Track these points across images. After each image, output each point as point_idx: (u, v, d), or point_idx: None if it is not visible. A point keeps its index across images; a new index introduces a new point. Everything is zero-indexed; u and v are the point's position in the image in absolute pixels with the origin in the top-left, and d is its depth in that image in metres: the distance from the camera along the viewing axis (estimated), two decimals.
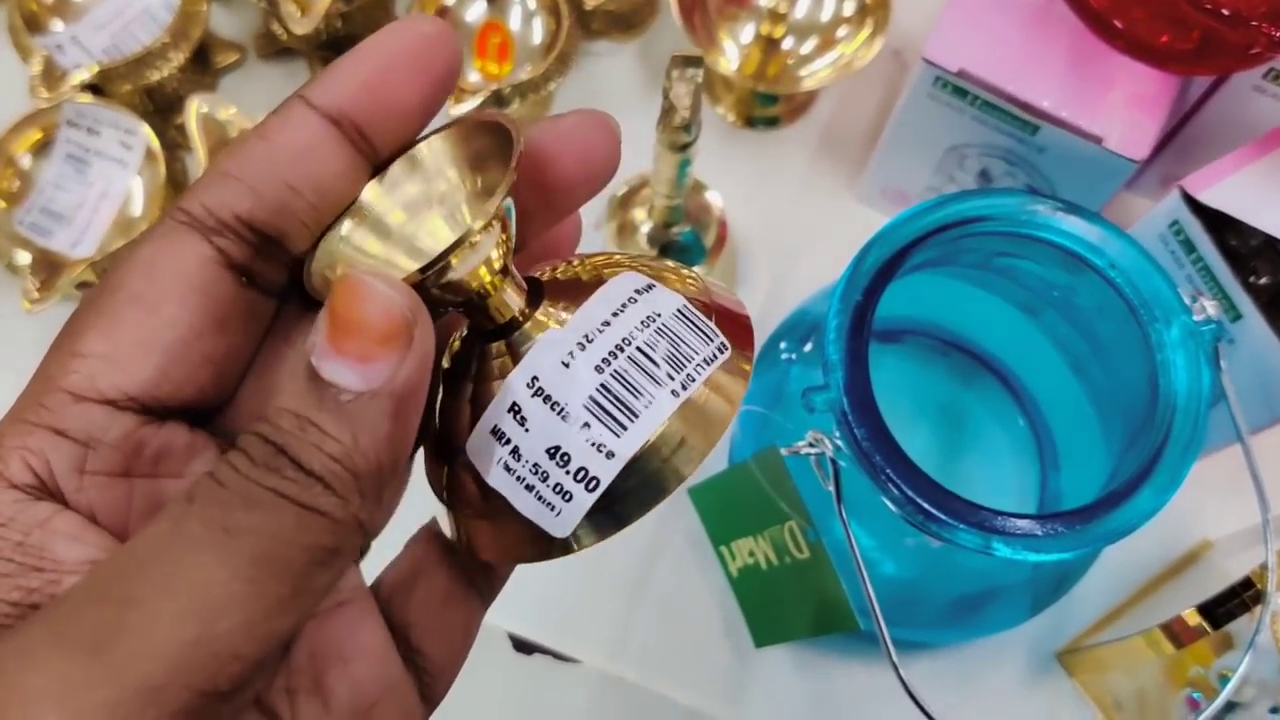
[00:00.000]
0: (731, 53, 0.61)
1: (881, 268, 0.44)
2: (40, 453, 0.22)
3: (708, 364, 0.25)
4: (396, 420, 0.22)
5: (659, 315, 0.25)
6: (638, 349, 0.24)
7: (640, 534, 0.57)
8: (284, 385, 0.22)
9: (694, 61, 0.48)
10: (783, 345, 0.54)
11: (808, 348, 0.54)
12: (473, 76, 0.60)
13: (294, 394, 0.21)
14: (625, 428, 0.24)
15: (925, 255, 0.45)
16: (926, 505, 0.39)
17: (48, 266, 0.53)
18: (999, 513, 0.39)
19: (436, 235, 0.25)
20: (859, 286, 0.44)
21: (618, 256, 0.27)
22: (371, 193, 0.25)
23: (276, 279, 0.25)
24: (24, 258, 0.52)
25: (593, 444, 0.24)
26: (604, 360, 0.24)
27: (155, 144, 0.55)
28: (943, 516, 0.39)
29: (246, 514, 0.20)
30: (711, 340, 0.25)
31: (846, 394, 0.42)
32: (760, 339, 0.61)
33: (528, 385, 0.24)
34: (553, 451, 0.24)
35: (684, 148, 0.50)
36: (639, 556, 0.58)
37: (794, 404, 0.55)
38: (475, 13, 0.60)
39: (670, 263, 0.28)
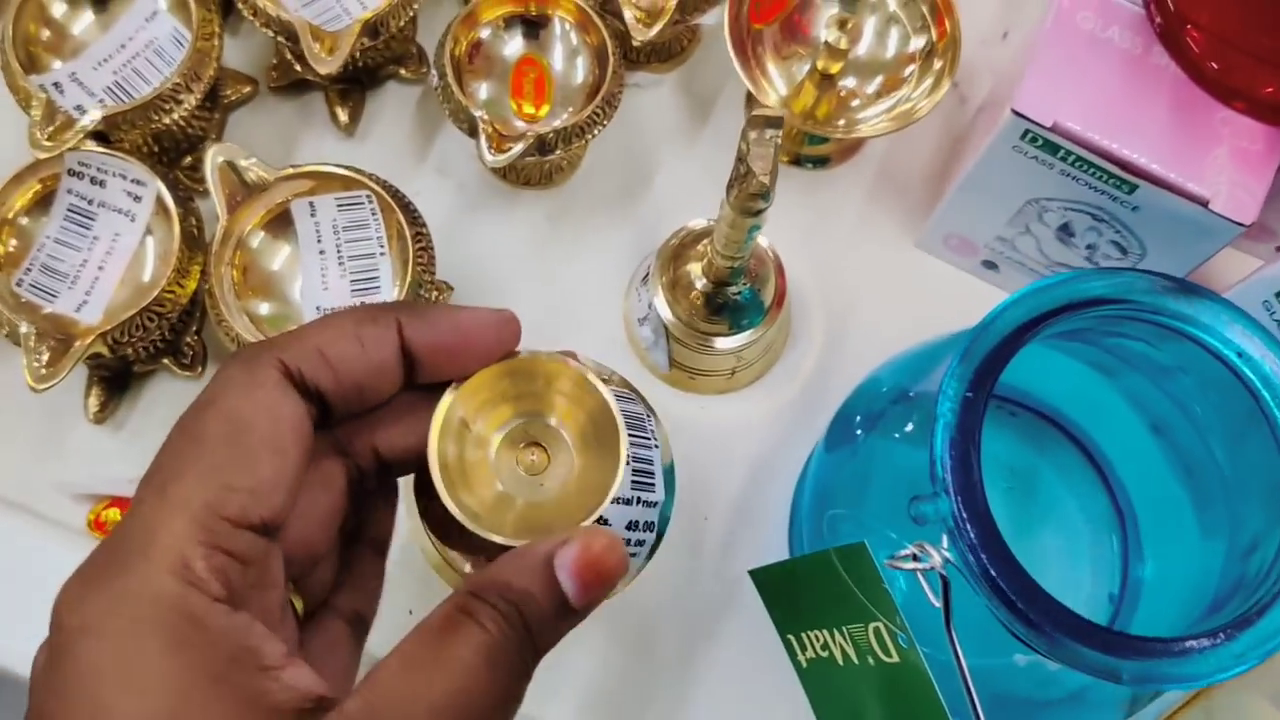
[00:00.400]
0: (780, 85, 0.57)
1: (992, 360, 0.40)
2: (223, 571, 0.28)
3: None
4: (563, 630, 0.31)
5: None
6: None
7: (696, 612, 0.53)
8: (522, 566, 0.31)
9: (774, 122, 0.43)
10: (857, 419, 0.50)
11: (885, 424, 0.50)
12: (514, 121, 0.55)
13: (537, 581, 0.30)
14: None
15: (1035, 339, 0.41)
16: (1061, 635, 0.36)
17: (54, 338, 0.48)
18: (1158, 640, 0.36)
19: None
20: (966, 380, 0.40)
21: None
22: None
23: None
24: (26, 327, 0.47)
25: None
26: None
27: (167, 196, 0.50)
28: (1081, 647, 0.36)
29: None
30: None
31: (961, 510, 0.38)
32: (820, 399, 0.57)
33: None
34: None
35: (758, 213, 0.45)
36: (693, 637, 0.54)
37: (870, 484, 0.51)
38: (513, 48, 0.55)
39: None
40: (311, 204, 0.52)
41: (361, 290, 0.50)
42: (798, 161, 0.61)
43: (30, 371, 0.47)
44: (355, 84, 0.58)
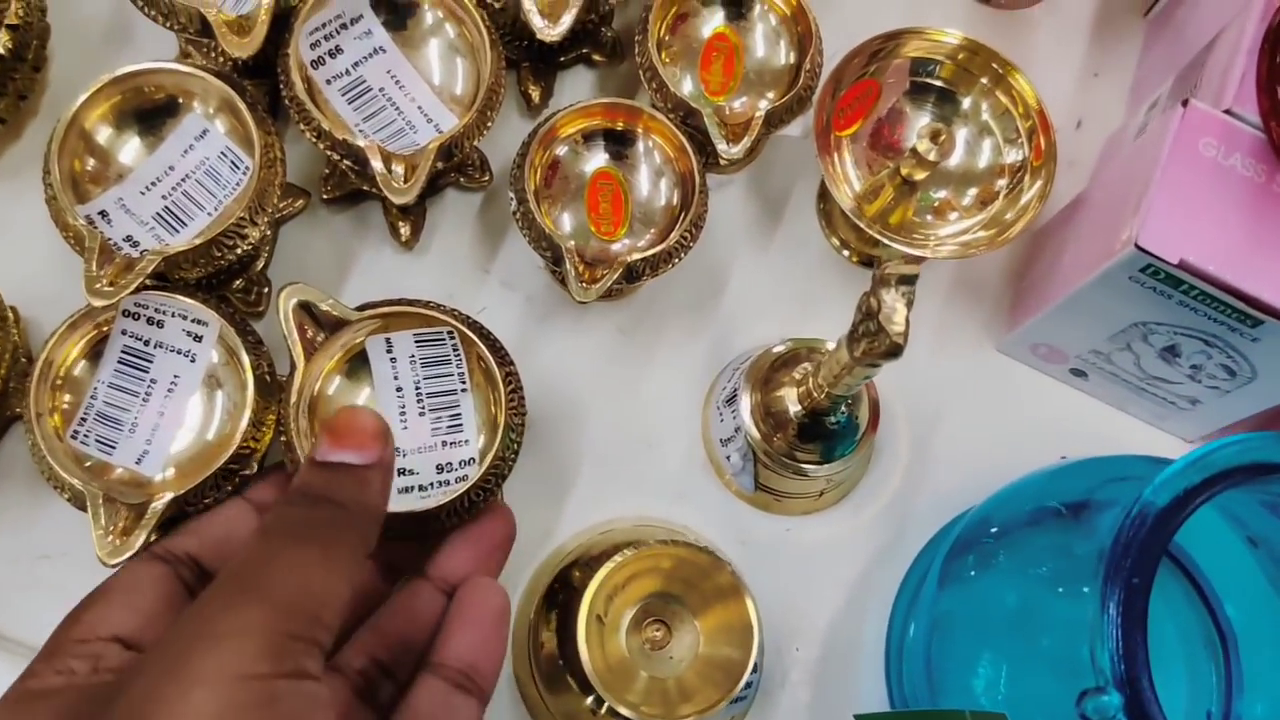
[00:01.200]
0: (856, 180, 0.55)
1: (1153, 538, 0.38)
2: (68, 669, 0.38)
3: None
4: (386, 480, 0.40)
5: None
6: None
7: None
8: (294, 479, 0.39)
9: (909, 279, 0.41)
10: (970, 559, 0.48)
11: (998, 564, 0.49)
12: (592, 243, 0.52)
13: (302, 474, 0.39)
14: None
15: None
16: None
17: (124, 505, 0.44)
18: None
19: None
20: (1131, 559, 0.38)
21: None
22: None
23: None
24: (94, 495, 0.44)
25: None
26: None
27: (237, 343, 0.47)
28: None
29: (310, 528, 0.37)
30: None
31: (1133, 710, 0.36)
32: (909, 515, 0.56)
33: None
34: None
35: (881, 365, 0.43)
36: None
37: (986, 625, 0.49)
38: (590, 163, 0.53)
39: None
40: (388, 340, 0.49)
41: (441, 429, 0.48)
42: (870, 264, 0.59)
43: (101, 545, 0.44)
44: (418, 200, 0.55)
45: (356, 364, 0.49)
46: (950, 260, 0.58)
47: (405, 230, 0.55)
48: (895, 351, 0.41)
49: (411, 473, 0.47)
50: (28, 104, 0.55)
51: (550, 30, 0.51)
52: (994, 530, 0.49)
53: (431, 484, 0.47)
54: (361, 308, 0.47)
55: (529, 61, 0.58)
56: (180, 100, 0.50)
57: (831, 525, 0.55)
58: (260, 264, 0.54)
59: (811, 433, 0.51)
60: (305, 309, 0.47)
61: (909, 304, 0.41)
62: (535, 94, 0.58)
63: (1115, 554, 0.38)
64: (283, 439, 0.47)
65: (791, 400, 0.51)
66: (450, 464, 0.47)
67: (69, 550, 0.51)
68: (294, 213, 0.55)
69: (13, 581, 0.51)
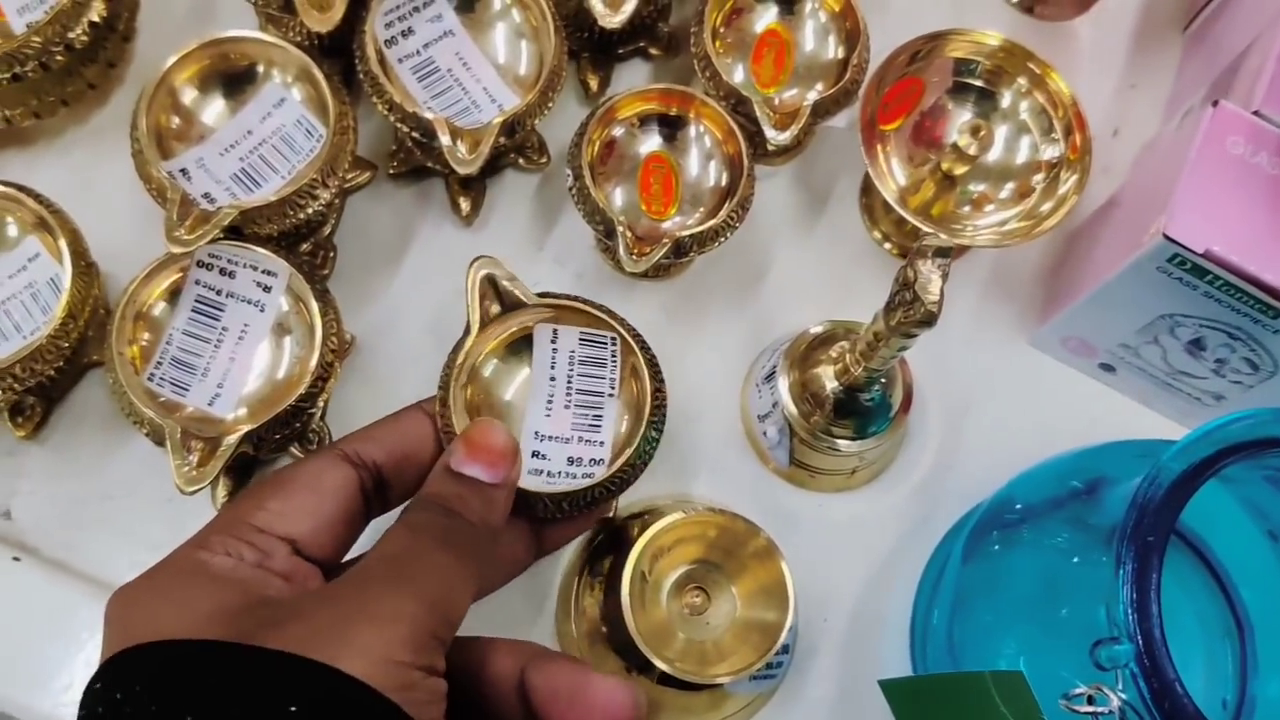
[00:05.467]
0: (900, 176, 0.57)
1: (1168, 507, 0.40)
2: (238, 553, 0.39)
3: None
4: (509, 499, 0.43)
5: None
6: None
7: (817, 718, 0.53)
8: (429, 483, 0.42)
9: (944, 251, 0.43)
10: (994, 534, 0.50)
11: (1022, 540, 0.50)
12: (643, 221, 0.55)
13: (438, 482, 0.42)
14: None
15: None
16: None
17: (199, 439, 0.47)
18: None
19: None
20: (1146, 526, 0.40)
21: None
22: None
23: (380, 505, 0.44)
24: (172, 427, 0.47)
25: None
26: None
27: (307, 292, 0.50)
28: None
29: (448, 535, 0.39)
30: None
31: (1144, 656, 0.38)
32: (938, 498, 0.57)
33: None
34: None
35: (916, 336, 0.45)
36: None
37: (1008, 600, 0.51)
38: (644, 145, 0.55)
39: None
40: (555, 331, 0.51)
41: (581, 425, 0.50)
42: (908, 255, 0.61)
43: (180, 474, 0.46)
44: (477, 174, 0.58)
45: (518, 347, 0.51)
46: (987, 255, 0.60)
47: (466, 206, 0.58)
48: (929, 320, 0.44)
49: (544, 457, 0.49)
50: (115, 72, 0.59)
51: (611, 18, 0.54)
52: (1018, 508, 0.51)
53: (559, 473, 0.49)
54: (542, 295, 0.50)
55: (588, 52, 0.61)
56: (262, 68, 0.53)
57: (862, 503, 0.57)
58: (328, 230, 0.57)
59: (847, 409, 0.53)
60: (490, 282, 0.50)
61: (944, 276, 0.43)
62: (594, 83, 0.60)
63: (1131, 514, 0.40)
64: (439, 390, 0.49)
65: (829, 377, 0.53)
66: (580, 459, 0.50)
67: (133, 491, 0.54)
68: (362, 184, 0.58)
69: (81, 520, 0.54)
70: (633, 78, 0.62)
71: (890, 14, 0.61)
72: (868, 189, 0.61)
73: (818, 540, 0.56)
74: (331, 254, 0.57)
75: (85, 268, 0.51)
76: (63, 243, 0.50)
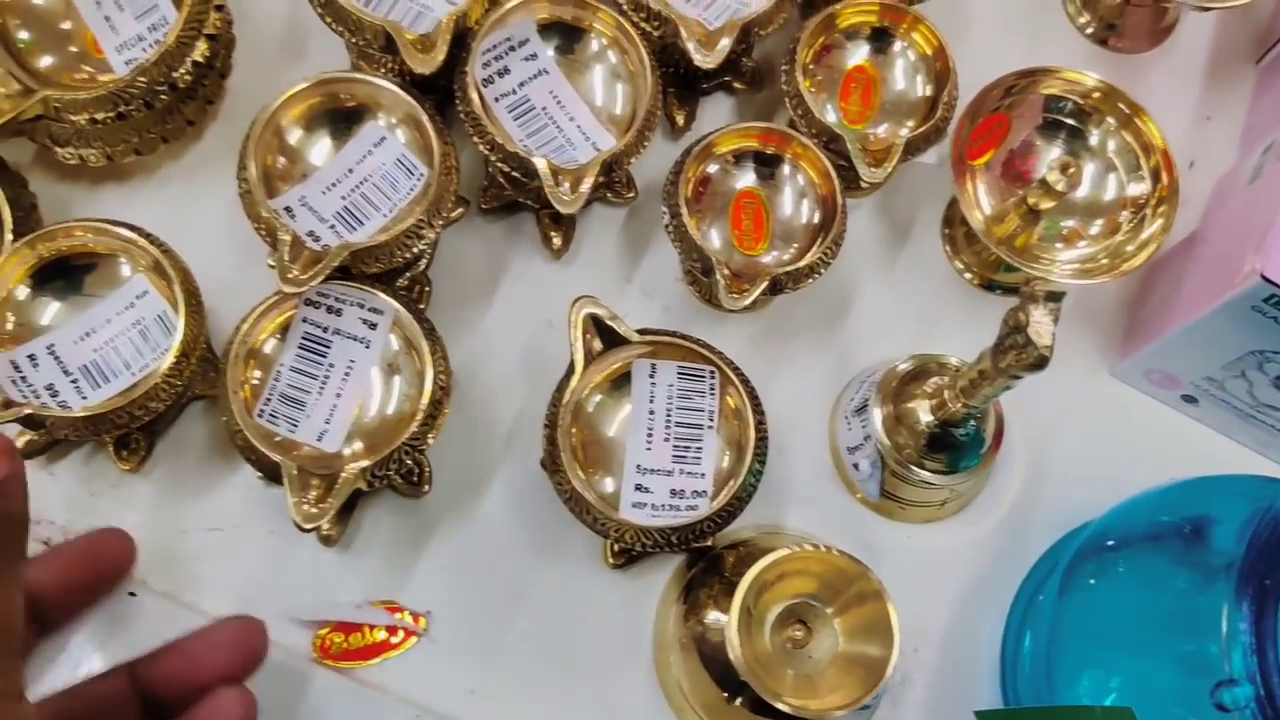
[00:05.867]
0: (985, 209, 0.58)
1: None
2: None
3: None
4: (21, 487, 0.36)
5: None
6: None
7: None
8: None
9: (1055, 296, 0.44)
10: (1090, 568, 0.51)
11: (1118, 573, 0.51)
12: (735, 257, 0.56)
13: None
14: None
15: None
16: None
17: (316, 475, 0.48)
18: None
19: None
20: (1263, 563, 0.41)
21: None
22: None
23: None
24: (289, 465, 0.48)
25: None
26: None
27: (417, 331, 0.51)
28: None
29: None
30: None
31: (1265, 703, 0.39)
32: (1024, 529, 0.58)
33: None
34: None
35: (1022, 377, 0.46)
36: None
37: (1106, 633, 0.52)
38: (737, 182, 0.56)
39: None
40: (653, 365, 0.52)
41: (682, 457, 0.51)
42: (989, 288, 0.62)
43: (298, 511, 0.47)
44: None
45: (620, 383, 0.53)
46: (1068, 286, 0.61)
47: (557, 240, 0.59)
48: (1041, 364, 0.44)
49: (647, 490, 0.51)
50: (211, 108, 0.60)
51: (706, 58, 0.54)
52: (1111, 543, 0.52)
53: (663, 505, 0.50)
54: (642, 332, 0.51)
55: (674, 87, 0.62)
56: (366, 108, 0.54)
57: (951, 534, 0.58)
58: (424, 264, 0.58)
59: (940, 444, 0.54)
60: (593, 320, 0.51)
61: (1055, 320, 0.44)
62: (680, 118, 0.61)
63: (1248, 556, 0.41)
64: (545, 429, 0.51)
65: (924, 411, 0.54)
66: (683, 491, 0.51)
67: (237, 524, 0.55)
68: (456, 219, 0.59)
69: (185, 552, 0.55)
70: (717, 111, 0.63)
71: (967, 46, 0.62)
72: (950, 220, 0.62)
73: (906, 570, 0.57)
74: (427, 288, 0.58)
75: (196, 306, 0.52)
76: (176, 284, 0.51)
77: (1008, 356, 0.45)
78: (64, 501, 0.54)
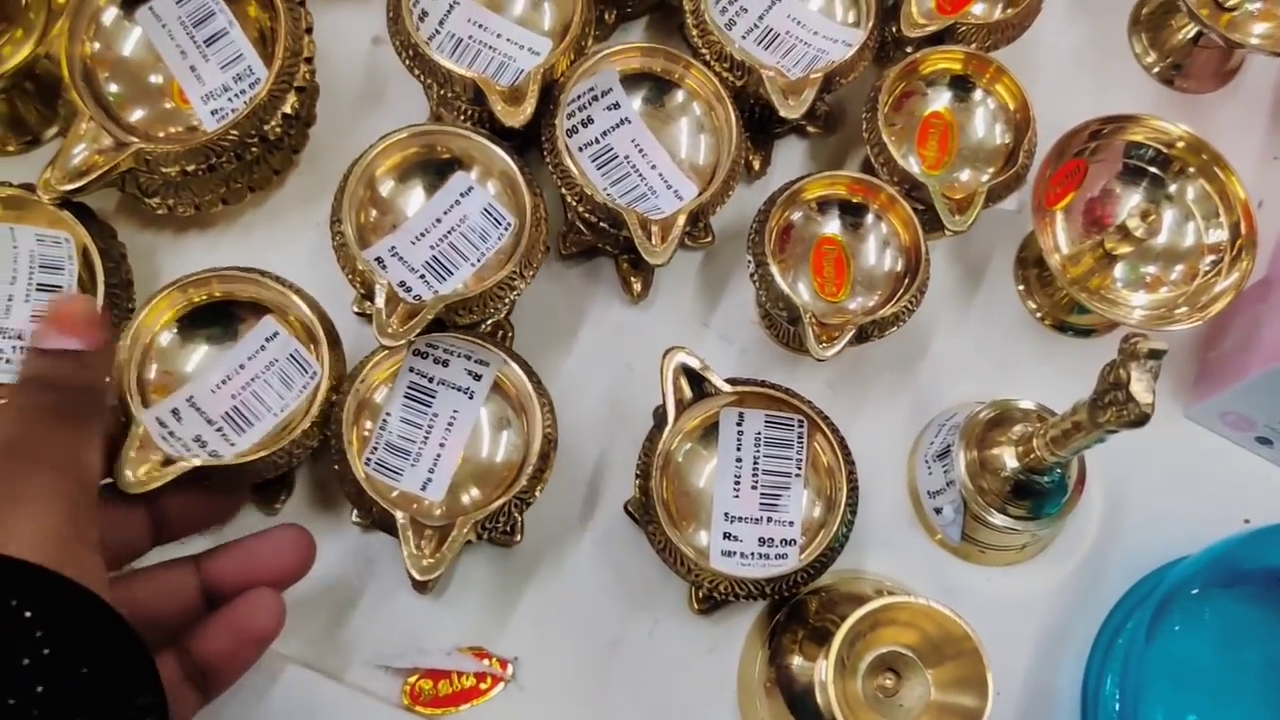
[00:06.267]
0: (1063, 249, 0.59)
1: None
2: None
3: None
4: (106, 362, 0.45)
5: None
6: None
7: None
8: (24, 369, 0.41)
9: (1157, 353, 0.45)
10: (1175, 616, 0.52)
11: (1205, 615, 0.52)
12: (814, 300, 0.56)
13: (31, 365, 0.41)
14: None
15: None
16: None
17: (429, 527, 0.48)
18: None
19: None
20: None
21: None
22: None
23: None
24: (402, 518, 0.48)
25: None
26: None
27: (528, 387, 0.52)
28: None
29: (62, 410, 0.40)
30: None
31: None
32: (1102, 572, 0.59)
33: None
34: None
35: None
36: None
37: (1195, 680, 0.52)
38: (819, 229, 0.57)
39: None
40: (741, 414, 0.53)
41: (769, 507, 0.52)
42: (1062, 329, 0.62)
43: (413, 563, 0.48)
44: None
45: (709, 432, 0.53)
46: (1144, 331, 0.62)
47: (638, 285, 0.60)
48: (1142, 422, 0.45)
49: (736, 539, 0.51)
50: (295, 156, 0.60)
51: (792, 109, 0.55)
52: (1195, 591, 0.52)
53: (752, 554, 0.51)
54: (730, 381, 0.52)
55: (748, 131, 0.62)
56: (459, 161, 0.55)
57: (1029, 577, 0.59)
58: (506, 310, 0.58)
59: (1025, 490, 0.54)
60: (684, 371, 0.52)
61: (1155, 376, 0.45)
62: (756, 162, 0.62)
63: None
64: (637, 480, 0.51)
65: (1010, 458, 0.54)
66: (772, 539, 0.51)
67: (329, 570, 0.56)
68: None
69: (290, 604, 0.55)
70: (789, 154, 0.64)
71: (1036, 88, 0.62)
72: (1023, 262, 0.63)
73: (986, 613, 0.57)
74: (510, 333, 0.58)
75: (335, 342, 0.52)
76: (318, 326, 0.52)
77: (1107, 413, 0.46)
78: None
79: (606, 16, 0.63)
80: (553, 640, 0.56)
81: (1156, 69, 0.67)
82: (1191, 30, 0.65)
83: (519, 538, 0.56)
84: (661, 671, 0.56)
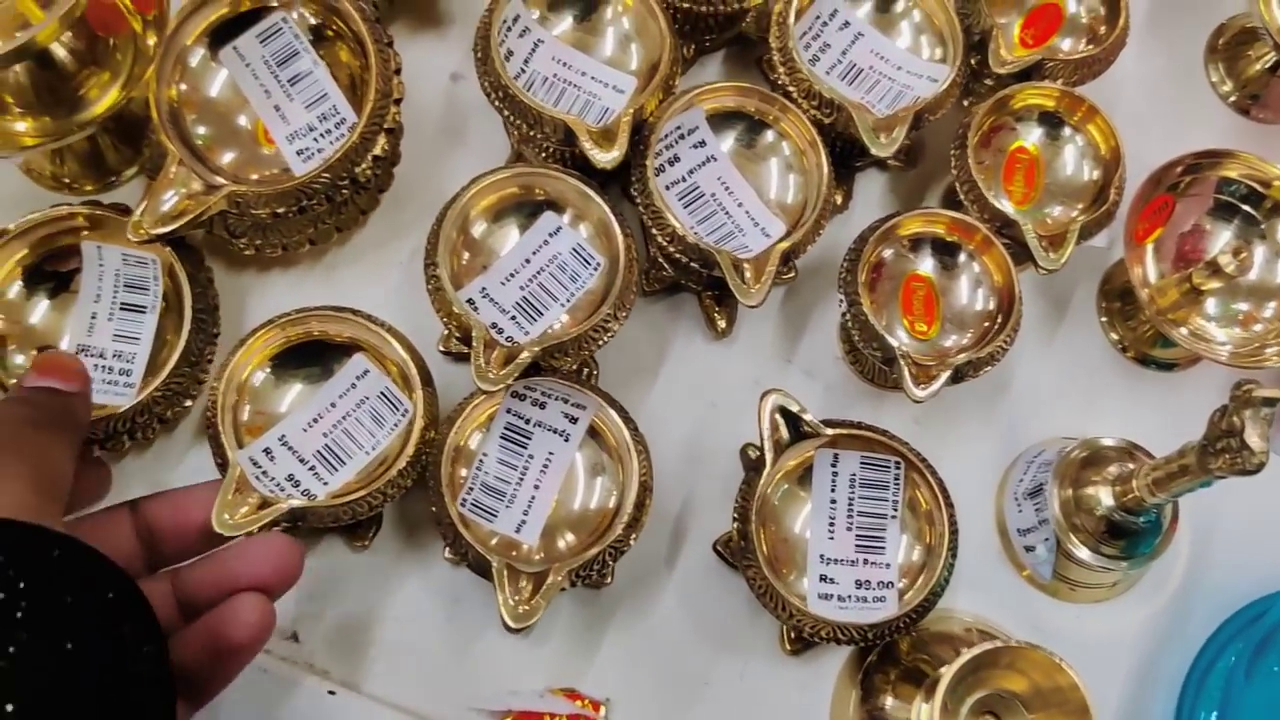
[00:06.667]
0: (1152, 277, 0.58)
1: None
2: None
3: None
4: (87, 405, 0.47)
5: None
6: None
7: None
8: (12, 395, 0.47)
9: (1272, 401, 0.44)
10: (1274, 656, 0.51)
11: None
12: (905, 339, 0.56)
13: (17, 391, 0.46)
14: None
15: None
16: None
17: (525, 575, 0.48)
18: None
19: None
20: None
21: None
22: None
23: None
24: (499, 564, 0.48)
25: None
26: None
27: (624, 432, 0.52)
28: None
29: (35, 421, 0.43)
30: None
31: None
32: (1190, 609, 0.58)
33: None
34: None
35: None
36: None
37: None
38: (908, 266, 0.57)
39: None
40: (835, 455, 0.53)
41: (865, 549, 0.51)
42: (1144, 363, 0.62)
43: (508, 610, 0.48)
44: (729, 290, 0.59)
45: (806, 474, 0.53)
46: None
47: (722, 322, 0.59)
48: (1257, 470, 0.45)
49: (832, 581, 0.51)
50: (380, 195, 0.60)
51: (883, 147, 0.55)
52: None
53: (849, 597, 0.51)
54: (827, 423, 0.52)
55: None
56: (551, 203, 0.55)
57: (1119, 614, 0.58)
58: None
59: (1120, 529, 0.54)
60: (781, 413, 0.52)
61: (1269, 424, 0.44)
62: (839, 197, 0.62)
63: None
64: (735, 523, 0.51)
65: (1105, 497, 0.54)
66: (868, 582, 0.51)
67: (420, 611, 0.56)
68: None
69: (369, 640, 0.55)
70: (869, 188, 0.64)
71: (1110, 111, 0.62)
72: (1107, 295, 0.62)
73: (1077, 650, 0.56)
74: (595, 371, 0.58)
75: (428, 380, 0.52)
76: (411, 366, 0.52)
77: (1219, 459, 0.46)
78: None
79: (685, 51, 0.63)
80: (641, 681, 0.56)
81: (1233, 98, 0.67)
82: (1271, 60, 0.65)
83: (610, 581, 0.55)
84: (753, 711, 0.56)
